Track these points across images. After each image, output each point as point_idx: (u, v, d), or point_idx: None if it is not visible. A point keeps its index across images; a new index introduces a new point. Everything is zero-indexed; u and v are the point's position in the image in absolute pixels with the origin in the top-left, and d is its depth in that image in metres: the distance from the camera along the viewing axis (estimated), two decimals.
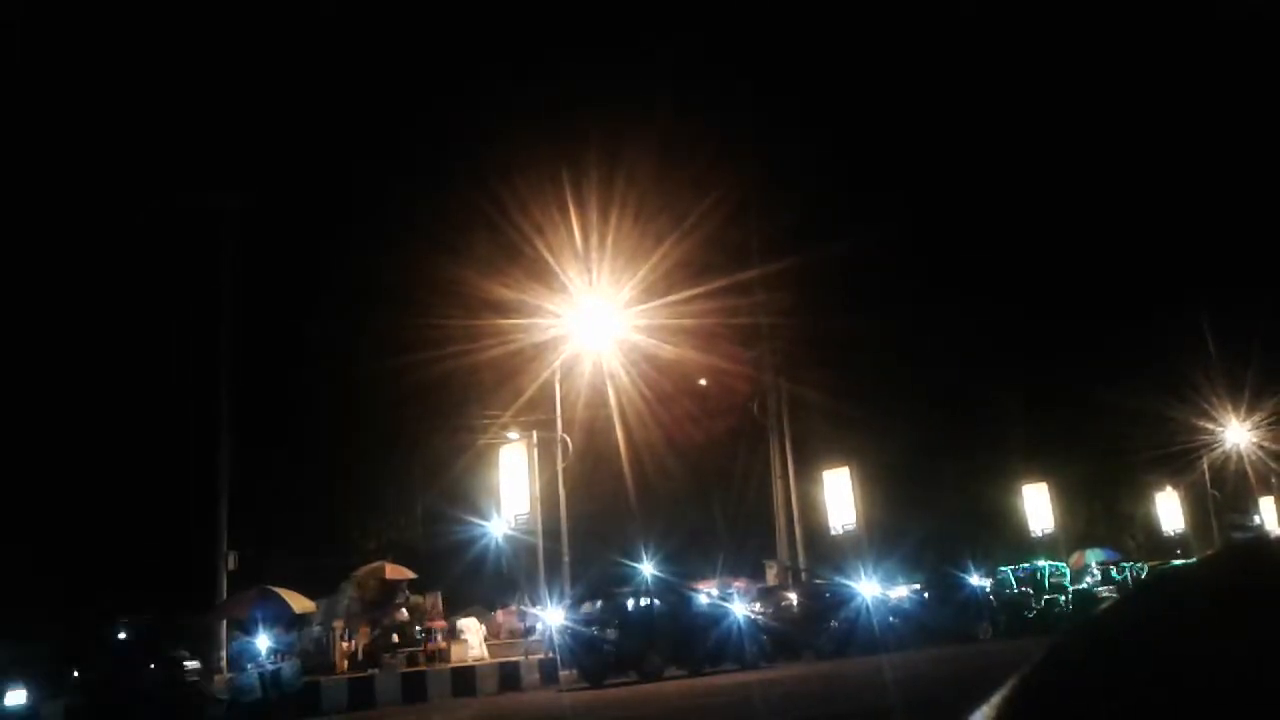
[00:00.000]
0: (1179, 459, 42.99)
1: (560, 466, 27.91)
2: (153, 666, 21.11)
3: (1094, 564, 33.96)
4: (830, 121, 40.94)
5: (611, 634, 21.22)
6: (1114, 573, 30.56)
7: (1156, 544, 43.98)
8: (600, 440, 30.89)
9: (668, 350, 30.58)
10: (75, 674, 20.96)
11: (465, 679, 22.48)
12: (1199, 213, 42.61)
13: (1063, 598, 28.27)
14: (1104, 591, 28.19)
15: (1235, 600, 0.72)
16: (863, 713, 12.23)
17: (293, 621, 23.48)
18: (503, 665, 23.67)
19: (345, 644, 24.82)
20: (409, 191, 34.36)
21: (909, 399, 36.84)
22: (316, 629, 25.81)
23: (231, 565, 25.01)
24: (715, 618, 22.24)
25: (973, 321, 38.18)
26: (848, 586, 26.29)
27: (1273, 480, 47.16)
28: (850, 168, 38.82)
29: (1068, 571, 30.56)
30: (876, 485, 35.90)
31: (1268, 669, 0.64)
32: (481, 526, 30.34)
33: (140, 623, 22.44)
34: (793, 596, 26.65)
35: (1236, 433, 44.65)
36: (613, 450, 30.61)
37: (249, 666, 21.52)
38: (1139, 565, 31.55)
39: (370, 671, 23.26)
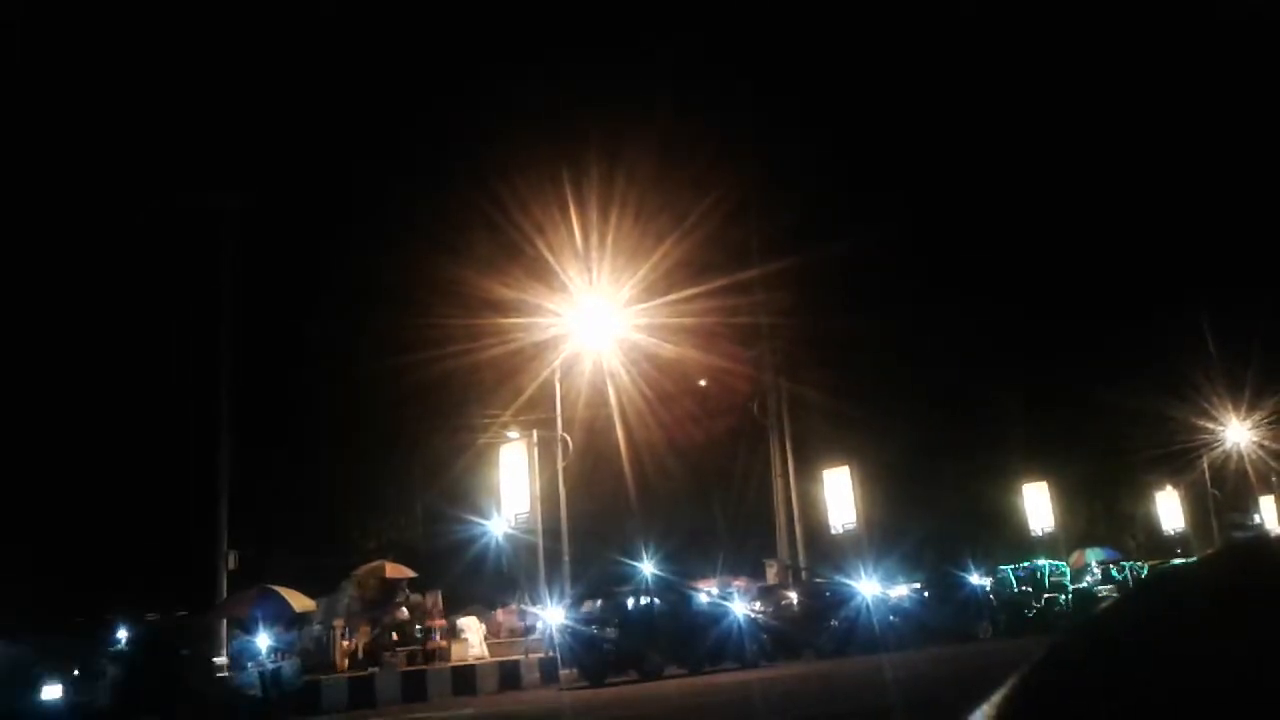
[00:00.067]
0: (1179, 458, 43.01)
1: (560, 465, 27.90)
2: (184, 664, 21.41)
3: (1094, 563, 33.95)
4: (830, 121, 40.95)
5: (612, 633, 21.22)
6: (1114, 572, 30.57)
7: (1157, 543, 44.00)
8: (600, 439, 30.90)
9: (668, 349, 30.60)
10: (108, 672, 21.03)
11: (465, 678, 22.49)
12: (1199, 213, 42.64)
13: (1063, 597, 28.28)
14: (1104, 591, 28.20)
15: (1235, 600, 0.72)
16: (863, 712, 12.22)
17: (293, 620, 23.45)
18: (503, 664, 23.68)
19: (345, 643, 24.81)
20: (409, 191, 34.38)
21: (909, 399, 36.86)
22: (317, 628, 25.80)
23: (232, 564, 25.02)
24: (715, 617, 22.26)
25: (973, 321, 38.22)
26: (848, 586, 26.27)
27: (1273, 479, 47.15)
28: (850, 168, 38.84)
29: (1068, 571, 30.57)
30: (877, 484, 35.91)
31: (1268, 669, 0.64)
32: (482, 525, 30.33)
33: (167, 622, 22.73)
34: (793, 595, 26.65)
35: (1237, 432, 44.66)
36: (613, 449, 30.63)
37: (249, 665, 21.52)
38: (1139, 565, 31.55)
39: (370, 670, 23.26)
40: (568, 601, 24.21)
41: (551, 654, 23.26)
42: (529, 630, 26.65)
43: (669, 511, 32.46)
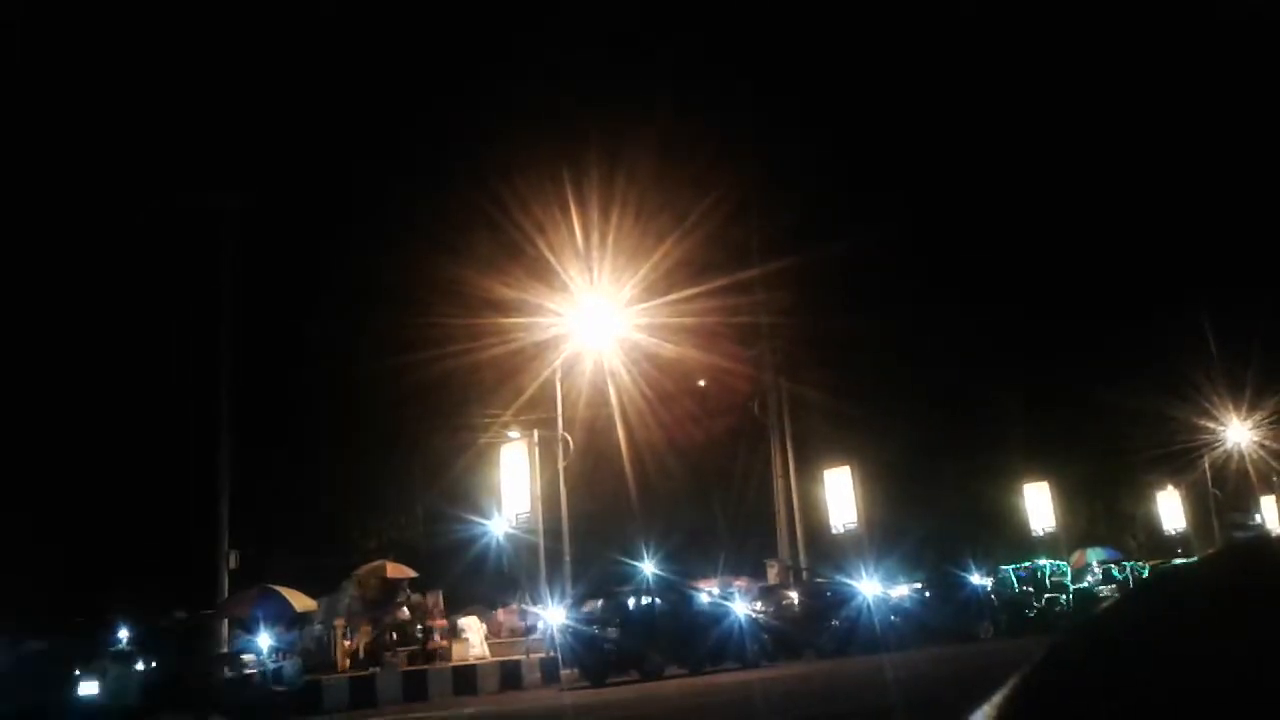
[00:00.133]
0: (1180, 458, 42.98)
1: (561, 465, 27.90)
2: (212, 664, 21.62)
3: (1095, 563, 33.94)
4: (830, 121, 40.90)
5: (612, 633, 21.22)
6: (1115, 572, 30.55)
7: (1157, 543, 43.98)
8: (601, 439, 30.90)
9: (668, 349, 30.60)
10: (139, 667, 21.10)
11: (466, 678, 22.49)
12: (1199, 213, 42.60)
13: (1063, 597, 28.27)
14: (1105, 591, 28.20)
15: (1235, 600, 0.72)
16: (863, 712, 12.22)
17: (294, 620, 23.48)
18: (504, 664, 23.69)
19: (346, 643, 24.82)
20: (409, 191, 34.39)
21: (909, 399, 36.87)
22: (318, 628, 25.81)
23: (233, 564, 25.03)
24: (716, 617, 22.25)
25: (973, 321, 38.25)
26: (849, 585, 26.27)
27: (1274, 479, 47.12)
28: (850, 168, 38.81)
29: (1068, 571, 30.56)
30: (877, 484, 35.89)
31: (1268, 669, 0.64)
32: (482, 525, 30.32)
33: (192, 620, 22.93)
34: (794, 595, 26.64)
35: (1237, 432, 44.64)
36: (614, 449, 30.64)
37: (250, 665, 21.51)
38: (1140, 564, 31.55)
39: (371, 670, 23.28)
40: (568, 601, 24.20)
41: (552, 654, 23.26)
42: (530, 630, 26.65)
43: (670, 511, 32.46)
